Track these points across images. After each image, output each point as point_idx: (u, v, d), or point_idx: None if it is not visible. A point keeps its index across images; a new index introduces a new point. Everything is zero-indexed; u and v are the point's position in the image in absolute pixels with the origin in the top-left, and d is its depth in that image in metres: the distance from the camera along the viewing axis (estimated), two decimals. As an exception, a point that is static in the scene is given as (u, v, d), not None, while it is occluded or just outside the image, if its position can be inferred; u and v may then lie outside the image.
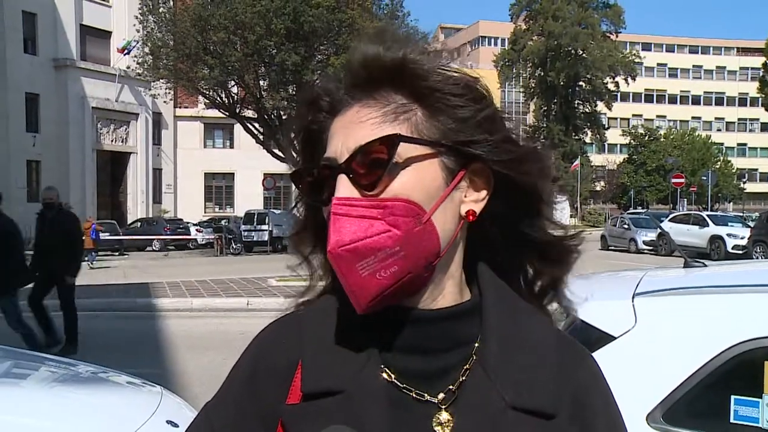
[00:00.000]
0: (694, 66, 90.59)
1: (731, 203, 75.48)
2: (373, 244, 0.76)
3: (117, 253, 29.77)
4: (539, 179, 0.85)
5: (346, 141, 0.79)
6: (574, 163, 54.97)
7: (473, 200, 0.83)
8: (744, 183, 72.38)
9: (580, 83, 63.78)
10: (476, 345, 0.83)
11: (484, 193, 0.84)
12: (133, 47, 33.30)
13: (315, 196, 0.83)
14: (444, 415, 0.80)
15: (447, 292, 0.84)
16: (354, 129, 0.79)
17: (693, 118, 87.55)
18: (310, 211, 0.90)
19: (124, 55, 37.65)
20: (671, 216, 30.32)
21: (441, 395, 0.81)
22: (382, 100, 0.80)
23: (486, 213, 0.84)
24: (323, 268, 0.92)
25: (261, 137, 29.30)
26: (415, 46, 0.82)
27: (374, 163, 0.77)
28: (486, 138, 0.81)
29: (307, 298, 0.94)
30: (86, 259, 21.61)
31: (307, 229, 0.91)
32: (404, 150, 0.78)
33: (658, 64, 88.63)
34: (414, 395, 0.81)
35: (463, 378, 0.81)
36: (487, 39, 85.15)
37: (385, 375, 0.81)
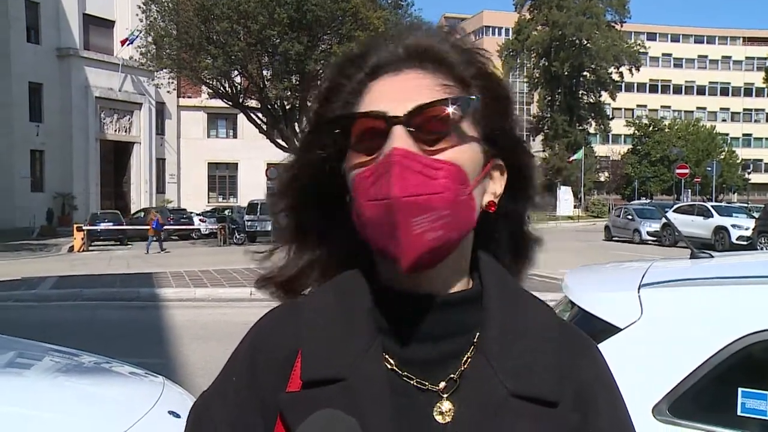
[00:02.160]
0: (699, 56, 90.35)
1: (736, 194, 75.38)
2: (428, 201, 0.75)
3: (120, 243, 29.80)
4: (537, 178, 0.91)
5: (404, 98, 0.78)
6: (570, 158, 54.97)
7: (492, 193, 0.85)
8: (749, 174, 72.29)
9: (585, 73, 63.61)
10: (477, 333, 0.82)
11: (500, 188, 0.86)
12: (136, 37, 33.27)
13: (360, 145, 0.80)
14: (445, 404, 0.80)
15: (460, 276, 0.84)
16: (413, 89, 0.80)
17: (698, 108, 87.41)
18: (306, 186, 0.88)
19: (127, 45, 37.63)
20: (675, 207, 30.27)
21: (442, 384, 0.80)
22: (437, 75, 0.82)
23: (499, 209, 0.87)
24: (317, 262, 0.91)
25: (264, 127, 29.33)
26: (462, 43, 0.86)
27: (441, 121, 0.78)
28: (513, 138, 0.86)
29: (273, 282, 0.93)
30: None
31: (300, 206, 0.89)
32: (465, 123, 0.80)
33: (663, 54, 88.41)
34: (415, 384, 0.80)
35: (465, 366, 0.81)
36: (491, 29, 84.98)
37: (386, 363, 0.81)
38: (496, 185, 0.86)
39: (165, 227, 28.18)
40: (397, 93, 0.80)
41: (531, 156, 0.89)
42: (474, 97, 0.80)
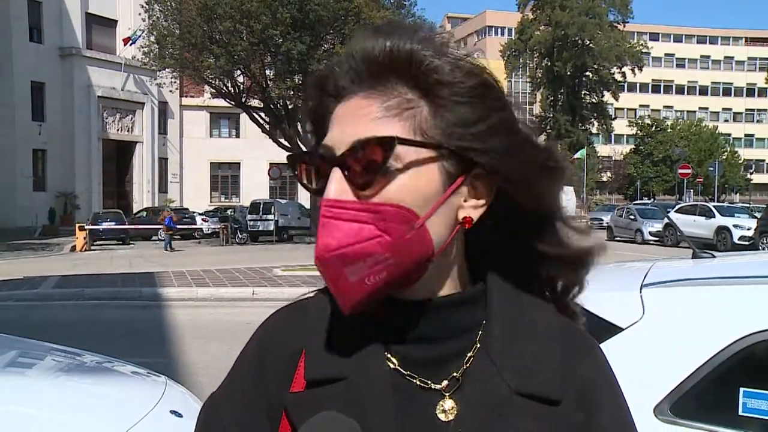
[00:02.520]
0: (701, 56, 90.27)
1: (738, 194, 75.26)
2: (362, 249, 0.74)
3: (122, 243, 29.82)
4: (549, 195, 0.83)
5: (344, 133, 0.76)
6: (574, 156, 54.91)
7: (472, 206, 0.80)
8: (751, 174, 72.29)
9: (587, 73, 63.65)
10: (480, 332, 0.82)
11: (483, 200, 0.81)
12: (138, 37, 33.29)
13: (308, 184, 0.81)
14: (448, 403, 0.80)
15: (443, 285, 0.83)
16: (353, 121, 0.76)
17: (700, 108, 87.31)
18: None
19: (130, 45, 37.65)
20: (677, 207, 30.26)
21: (445, 382, 0.80)
22: (387, 92, 0.77)
23: (492, 218, 0.82)
24: None
25: (267, 127, 29.34)
26: (427, 37, 0.78)
27: (370, 163, 0.74)
28: (491, 146, 0.76)
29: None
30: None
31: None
32: (403, 152, 0.74)
33: (666, 54, 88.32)
34: (418, 383, 0.80)
35: (467, 365, 0.81)
36: (493, 29, 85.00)
37: (388, 362, 0.81)
38: (479, 199, 0.80)
39: (177, 226, 28.51)
40: (341, 122, 0.77)
41: (525, 154, 0.79)
42: (392, 136, 0.74)
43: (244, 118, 36.59)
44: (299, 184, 0.84)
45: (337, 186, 0.75)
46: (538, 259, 0.86)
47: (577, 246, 0.86)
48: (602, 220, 35.93)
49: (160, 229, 32.56)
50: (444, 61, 0.76)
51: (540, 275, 0.87)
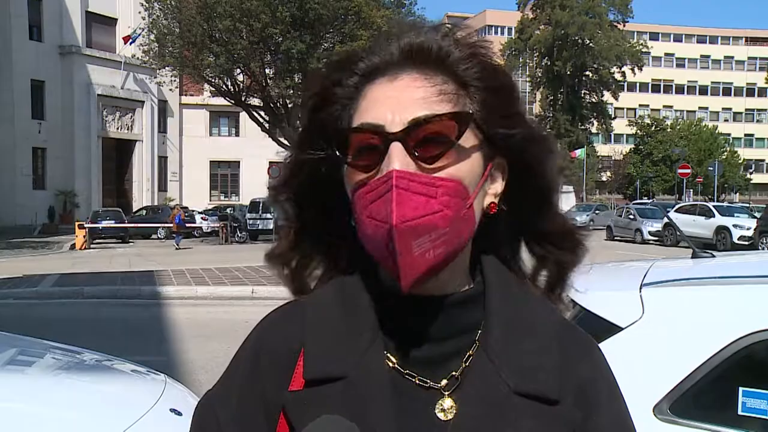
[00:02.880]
0: (701, 56, 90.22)
1: (737, 194, 75.27)
2: (429, 222, 0.75)
3: (122, 241, 29.81)
4: (554, 172, 0.87)
5: (401, 110, 0.77)
6: (573, 151, 54.89)
7: (493, 193, 0.84)
8: (750, 174, 72.31)
9: (587, 73, 63.67)
10: (479, 331, 0.83)
11: (501, 186, 0.85)
12: (138, 35, 33.25)
13: (359, 161, 0.80)
14: (447, 402, 0.80)
15: (459, 278, 0.84)
16: (409, 100, 0.78)
17: (700, 108, 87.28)
18: (303, 182, 0.88)
19: (129, 44, 37.59)
20: (677, 207, 30.28)
21: (444, 381, 0.81)
22: (435, 79, 0.79)
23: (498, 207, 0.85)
24: (317, 252, 0.91)
25: (267, 125, 29.29)
26: (463, 38, 0.84)
27: (439, 138, 0.76)
28: (517, 133, 0.82)
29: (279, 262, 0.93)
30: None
31: (298, 201, 0.89)
32: (464, 134, 0.78)
33: (666, 54, 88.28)
34: (417, 381, 0.81)
35: (467, 364, 0.81)
36: (493, 28, 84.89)
37: (387, 361, 0.81)
38: (497, 185, 0.85)
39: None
40: (393, 103, 0.78)
41: (539, 147, 0.85)
42: (471, 111, 0.79)
43: (243, 116, 36.55)
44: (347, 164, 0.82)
45: (403, 159, 0.76)
46: (537, 239, 0.90)
47: (570, 224, 0.91)
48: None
49: (159, 227, 32.67)
50: (486, 66, 0.82)
51: (536, 255, 0.91)
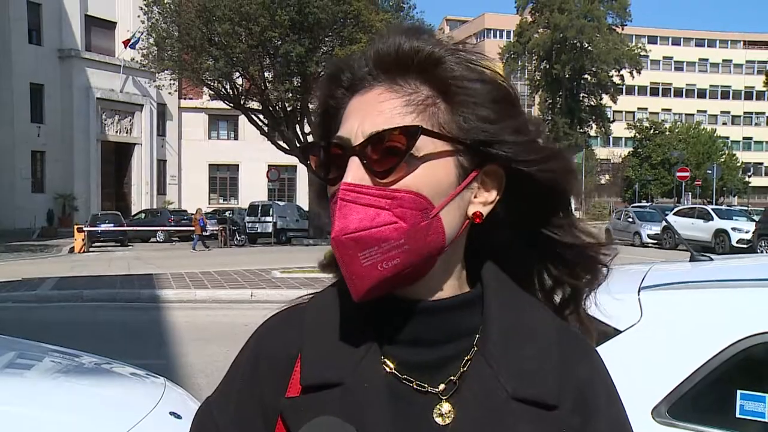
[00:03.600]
0: (699, 59, 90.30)
1: (736, 197, 75.31)
2: (378, 234, 0.75)
3: (120, 244, 29.79)
4: (564, 178, 0.84)
5: (363, 123, 0.78)
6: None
7: (481, 202, 0.82)
8: (749, 177, 72.38)
9: (586, 76, 63.68)
10: (477, 336, 0.83)
11: (494, 195, 0.83)
12: (138, 39, 33.26)
13: (323, 174, 0.81)
14: (445, 406, 0.80)
15: (446, 285, 0.83)
16: (373, 112, 0.78)
17: (698, 111, 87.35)
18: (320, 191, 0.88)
19: (129, 48, 37.58)
20: (676, 210, 30.29)
21: (442, 386, 0.81)
22: (407, 88, 0.79)
23: (495, 217, 0.84)
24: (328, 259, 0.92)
25: (265, 129, 29.33)
26: (451, 43, 0.82)
27: (391, 151, 0.76)
28: (507, 139, 0.80)
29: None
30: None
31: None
32: (422, 143, 0.77)
33: (664, 57, 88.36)
34: (415, 386, 0.81)
35: (465, 369, 0.81)
36: (492, 31, 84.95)
37: (385, 366, 0.81)
38: (488, 194, 0.83)
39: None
40: (360, 116, 0.79)
41: (543, 151, 0.83)
42: (417, 125, 0.77)
43: (242, 120, 36.62)
44: (310, 176, 0.86)
45: (356, 173, 0.76)
46: (548, 255, 0.88)
47: (587, 240, 0.88)
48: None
49: (158, 230, 32.69)
50: (465, 68, 0.80)
51: (542, 277, 0.89)
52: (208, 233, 28.16)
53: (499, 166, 0.81)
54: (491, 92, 0.80)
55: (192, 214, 35.51)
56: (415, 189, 0.76)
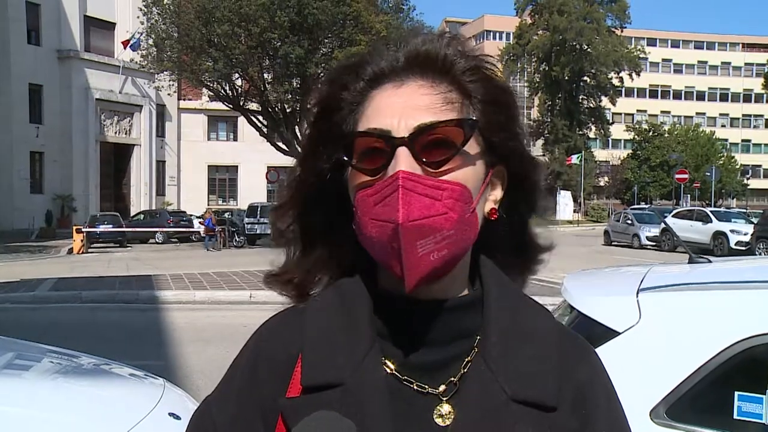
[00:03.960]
0: (698, 62, 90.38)
1: (734, 199, 75.35)
2: (434, 223, 0.76)
3: (119, 245, 29.76)
4: (541, 183, 0.90)
5: (406, 116, 0.79)
6: (569, 157, 54.90)
7: (493, 200, 0.86)
8: (747, 179, 72.45)
9: (585, 78, 63.72)
10: (478, 337, 0.83)
11: (500, 193, 0.87)
12: (138, 40, 33.23)
13: (364, 164, 0.81)
14: (445, 407, 0.80)
15: (458, 284, 0.85)
16: (416, 106, 0.79)
17: (697, 113, 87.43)
18: (310, 192, 0.88)
19: (129, 48, 37.50)
20: (674, 212, 30.30)
21: (442, 387, 0.81)
22: (442, 87, 0.81)
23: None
24: (322, 261, 0.91)
25: (265, 130, 29.33)
26: (473, 52, 0.86)
27: (444, 144, 0.78)
28: (515, 147, 0.85)
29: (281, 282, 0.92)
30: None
31: (304, 211, 0.89)
32: (468, 140, 0.80)
33: (663, 60, 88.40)
34: (415, 387, 0.81)
35: (465, 370, 0.82)
36: (492, 33, 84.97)
37: (385, 367, 0.81)
38: (497, 192, 0.86)
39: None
40: (399, 109, 0.79)
41: (532, 160, 0.88)
42: (476, 118, 0.81)
43: (241, 121, 36.59)
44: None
45: (408, 163, 0.77)
46: (519, 251, 0.93)
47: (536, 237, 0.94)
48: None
49: (157, 231, 32.66)
50: (483, 74, 0.84)
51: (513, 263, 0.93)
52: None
53: (505, 166, 0.86)
54: (506, 105, 0.84)
55: (191, 215, 35.55)
56: (463, 182, 0.79)
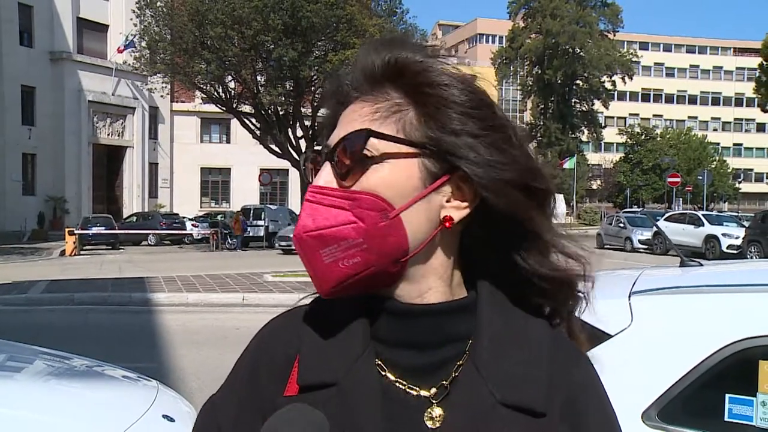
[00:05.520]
0: (690, 66, 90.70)
1: (726, 203, 75.63)
2: (338, 233, 0.79)
3: (112, 248, 29.67)
4: (531, 211, 0.83)
5: (339, 132, 0.83)
6: (561, 161, 54.99)
7: (454, 207, 0.82)
8: (739, 183, 72.73)
9: (578, 81, 63.86)
10: (470, 342, 0.84)
11: (466, 203, 0.82)
12: (131, 42, 33.11)
13: (311, 180, 0.86)
14: (436, 410, 0.81)
15: (433, 289, 0.84)
16: (348, 122, 0.83)
17: (689, 117, 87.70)
18: None
19: (123, 51, 37.32)
20: (667, 215, 30.39)
21: (433, 390, 0.82)
22: (380, 97, 0.83)
23: (476, 226, 0.84)
24: None
25: (258, 132, 29.27)
26: (423, 49, 0.84)
27: (351, 155, 0.80)
28: (471, 156, 0.79)
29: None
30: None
31: None
32: (382, 146, 0.80)
33: (655, 64, 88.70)
34: (407, 389, 0.82)
35: (456, 374, 0.82)
36: (485, 36, 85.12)
37: (378, 369, 0.83)
38: (462, 199, 0.82)
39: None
40: (339, 127, 0.84)
41: (502, 164, 0.80)
42: (363, 129, 0.80)
43: (234, 123, 36.50)
44: (303, 183, 0.90)
45: (326, 176, 0.82)
46: (524, 278, 0.86)
47: (563, 271, 0.87)
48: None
49: (149, 234, 32.58)
50: (438, 74, 0.81)
51: (526, 294, 0.88)
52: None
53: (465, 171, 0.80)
54: (461, 101, 0.80)
55: (184, 217, 35.47)
56: (373, 191, 0.79)
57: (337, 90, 0.88)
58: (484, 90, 0.83)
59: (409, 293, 0.83)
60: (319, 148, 0.88)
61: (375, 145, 0.79)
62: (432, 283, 0.84)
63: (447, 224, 0.82)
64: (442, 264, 0.84)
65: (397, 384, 0.82)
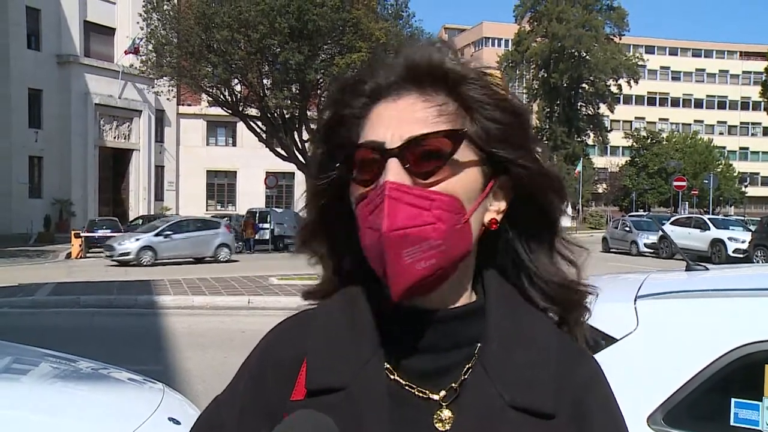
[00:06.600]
0: (696, 69, 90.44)
1: (732, 207, 75.37)
2: (420, 233, 0.77)
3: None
4: (557, 205, 0.88)
5: (400, 129, 0.80)
6: (576, 169, 54.80)
7: (495, 210, 0.86)
8: (745, 187, 72.45)
9: (583, 85, 63.76)
10: (479, 345, 0.84)
11: (504, 204, 0.87)
12: (139, 43, 33.16)
13: (359, 175, 0.83)
14: (445, 413, 0.81)
15: (459, 294, 0.85)
16: (409, 119, 0.81)
17: (695, 121, 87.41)
18: (327, 204, 0.90)
19: (131, 53, 37.38)
20: (673, 219, 30.29)
21: (442, 393, 0.82)
22: (438, 98, 0.82)
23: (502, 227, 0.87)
24: (331, 265, 0.93)
25: (264, 135, 29.31)
26: (472, 62, 0.86)
27: (433, 155, 0.79)
28: (520, 155, 0.84)
29: (318, 297, 0.94)
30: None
31: (323, 222, 0.91)
32: (460, 149, 0.80)
33: (661, 67, 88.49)
34: (416, 392, 0.82)
35: (465, 377, 0.83)
36: (490, 40, 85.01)
37: (387, 373, 0.83)
38: (501, 202, 0.86)
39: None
40: (393, 121, 0.81)
41: (541, 173, 0.86)
42: (466, 129, 0.81)
43: (240, 126, 36.56)
44: (350, 179, 0.85)
45: (397, 174, 0.79)
46: (530, 282, 0.89)
47: (561, 278, 0.90)
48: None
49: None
50: (483, 85, 0.84)
51: (532, 298, 0.90)
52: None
53: (510, 177, 0.85)
54: (509, 115, 0.84)
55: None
56: (453, 192, 0.79)
57: (367, 84, 0.85)
58: (526, 107, 0.87)
59: (441, 297, 0.83)
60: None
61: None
62: (461, 288, 0.85)
63: (493, 226, 0.85)
64: (470, 267, 0.86)
65: (407, 387, 0.82)
